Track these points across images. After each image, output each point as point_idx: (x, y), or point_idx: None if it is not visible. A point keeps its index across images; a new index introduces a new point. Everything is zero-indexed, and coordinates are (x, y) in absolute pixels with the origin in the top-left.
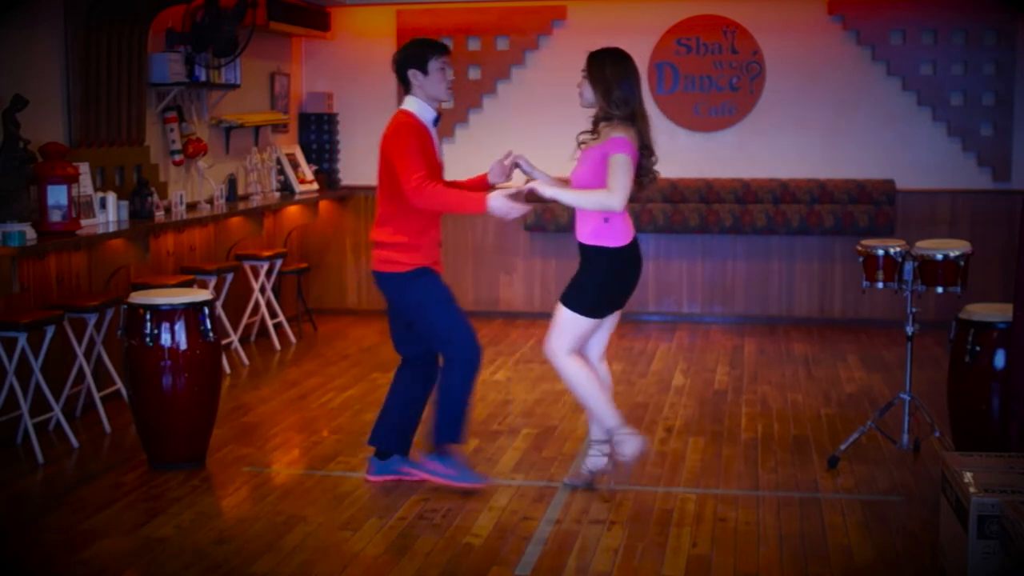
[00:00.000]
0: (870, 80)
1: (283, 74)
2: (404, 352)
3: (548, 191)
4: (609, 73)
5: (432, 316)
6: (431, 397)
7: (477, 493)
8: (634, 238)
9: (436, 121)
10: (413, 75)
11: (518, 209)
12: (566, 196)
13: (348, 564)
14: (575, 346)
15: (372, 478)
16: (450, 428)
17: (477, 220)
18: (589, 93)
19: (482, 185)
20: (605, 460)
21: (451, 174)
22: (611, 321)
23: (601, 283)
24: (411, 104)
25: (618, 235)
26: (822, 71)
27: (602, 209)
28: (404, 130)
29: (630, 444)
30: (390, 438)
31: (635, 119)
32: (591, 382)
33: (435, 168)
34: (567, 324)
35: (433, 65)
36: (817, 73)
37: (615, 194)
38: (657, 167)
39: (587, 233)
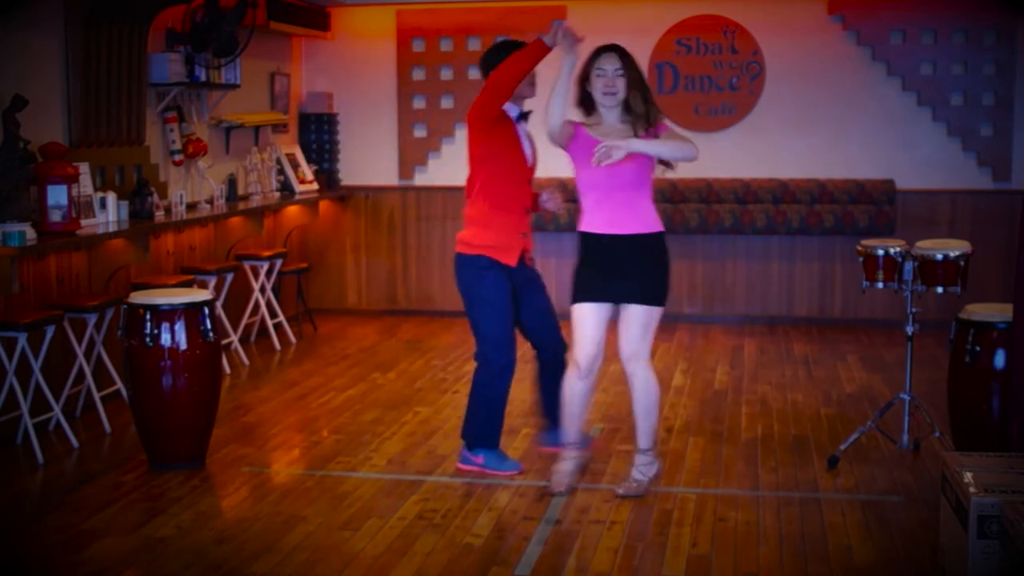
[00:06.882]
0: (870, 80)
1: (283, 74)
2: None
3: (637, 144)
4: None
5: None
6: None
7: (485, 487)
8: None
9: (520, 117)
10: None
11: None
12: (655, 147)
13: (348, 564)
14: None
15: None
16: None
17: None
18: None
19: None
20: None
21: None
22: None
23: (667, 268)
24: None
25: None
26: (822, 71)
27: (688, 157)
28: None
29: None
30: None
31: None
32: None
33: (521, 159)
34: (655, 324)
35: None
36: (817, 73)
37: (693, 143)
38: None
39: (640, 222)
